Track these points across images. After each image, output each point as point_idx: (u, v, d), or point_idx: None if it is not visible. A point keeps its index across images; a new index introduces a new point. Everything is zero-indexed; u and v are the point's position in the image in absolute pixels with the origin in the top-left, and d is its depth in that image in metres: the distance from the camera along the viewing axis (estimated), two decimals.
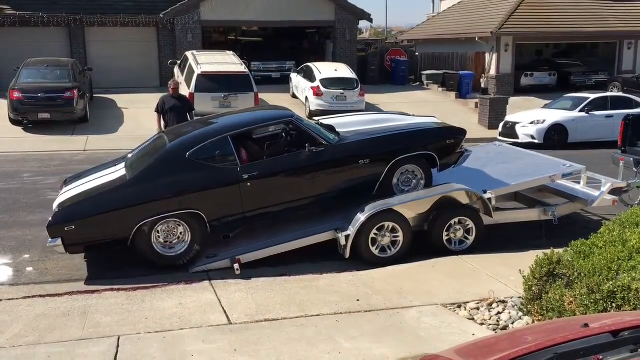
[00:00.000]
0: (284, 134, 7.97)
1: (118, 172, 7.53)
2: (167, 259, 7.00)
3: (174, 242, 7.02)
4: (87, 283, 6.72)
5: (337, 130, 7.91)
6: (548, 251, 4.97)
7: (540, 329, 2.70)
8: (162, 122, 11.19)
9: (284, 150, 7.65)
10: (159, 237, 6.98)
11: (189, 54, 18.58)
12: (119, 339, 5.16)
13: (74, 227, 6.70)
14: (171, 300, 6.09)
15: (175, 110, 11.01)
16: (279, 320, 5.58)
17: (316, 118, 9.27)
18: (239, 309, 5.86)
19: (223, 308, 5.89)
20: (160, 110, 11.18)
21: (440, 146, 7.88)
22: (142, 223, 6.81)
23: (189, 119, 11.22)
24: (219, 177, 7.12)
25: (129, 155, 8.11)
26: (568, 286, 4.35)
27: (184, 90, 16.55)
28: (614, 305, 3.94)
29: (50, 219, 6.85)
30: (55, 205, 7.31)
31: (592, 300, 4.04)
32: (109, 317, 5.64)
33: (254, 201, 7.19)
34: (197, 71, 16.59)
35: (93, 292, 6.39)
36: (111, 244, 7.08)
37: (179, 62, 19.71)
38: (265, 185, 7.22)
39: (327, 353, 4.85)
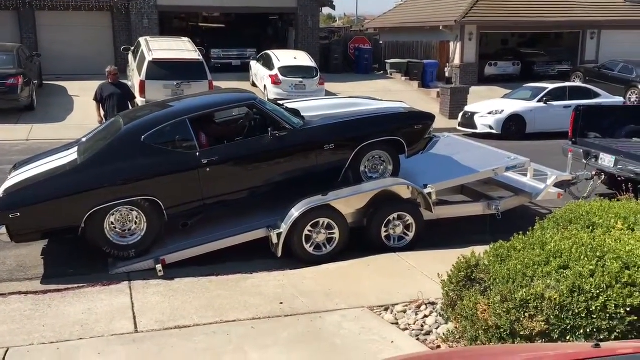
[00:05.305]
0: (245, 118, 7.62)
1: (69, 156, 7.10)
2: (122, 248, 6.59)
3: (128, 230, 6.62)
4: None
5: (303, 114, 7.54)
6: (468, 252, 4.63)
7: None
8: (102, 112, 10.69)
9: (246, 135, 7.29)
10: (113, 225, 6.57)
11: (142, 40, 17.87)
12: (7, 351, 4.71)
13: (19, 214, 6.24)
14: (80, 305, 5.65)
15: (114, 98, 10.47)
16: (190, 327, 5.19)
17: (281, 101, 8.88)
18: (150, 314, 5.45)
19: (134, 314, 5.47)
20: (99, 98, 10.65)
21: (408, 131, 7.59)
22: (93, 210, 6.37)
23: (130, 108, 10.71)
24: (176, 162, 6.73)
25: (83, 140, 7.66)
26: (484, 293, 4.03)
27: (135, 78, 15.94)
28: (526, 315, 3.63)
29: None
30: (0, 191, 6.79)
31: (504, 309, 3.71)
32: (5, 326, 5.18)
33: (213, 188, 6.84)
34: (149, 58, 15.93)
35: None
36: (60, 233, 6.68)
37: (132, 48, 19.01)
38: (226, 171, 6.88)
39: None
